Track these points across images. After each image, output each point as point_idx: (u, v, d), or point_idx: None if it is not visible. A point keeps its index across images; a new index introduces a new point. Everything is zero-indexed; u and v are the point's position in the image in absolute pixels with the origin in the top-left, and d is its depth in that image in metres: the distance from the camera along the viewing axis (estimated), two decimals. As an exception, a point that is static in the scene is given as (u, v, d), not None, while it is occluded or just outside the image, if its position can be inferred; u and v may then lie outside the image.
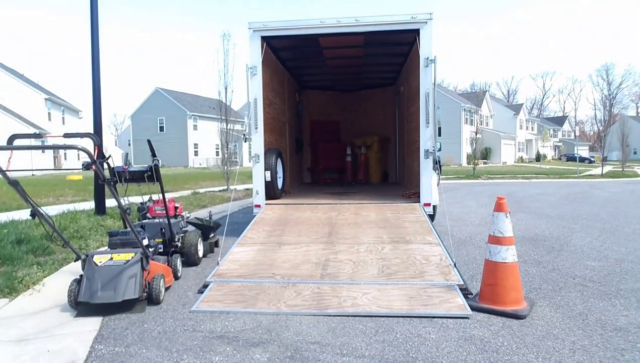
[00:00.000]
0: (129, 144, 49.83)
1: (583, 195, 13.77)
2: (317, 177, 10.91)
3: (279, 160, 7.00)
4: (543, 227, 7.09)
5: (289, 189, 7.90)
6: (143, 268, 3.40)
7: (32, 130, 30.01)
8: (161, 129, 49.03)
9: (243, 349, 2.65)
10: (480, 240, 6.08)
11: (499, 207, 3.39)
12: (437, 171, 6.35)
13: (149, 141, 4.07)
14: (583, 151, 68.08)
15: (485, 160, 47.62)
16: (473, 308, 3.17)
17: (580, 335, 2.79)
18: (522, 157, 56.04)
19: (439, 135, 6.11)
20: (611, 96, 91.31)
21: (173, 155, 43.55)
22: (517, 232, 6.37)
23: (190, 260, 4.62)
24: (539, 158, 58.12)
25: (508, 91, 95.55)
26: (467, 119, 46.55)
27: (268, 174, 6.42)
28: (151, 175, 4.09)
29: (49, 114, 36.49)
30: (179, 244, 4.56)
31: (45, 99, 36.06)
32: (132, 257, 3.38)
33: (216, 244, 5.42)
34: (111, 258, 3.39)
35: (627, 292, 3.69)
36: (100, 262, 3.35)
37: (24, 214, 5.94)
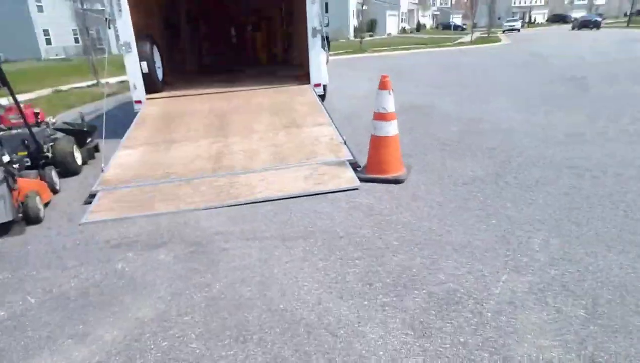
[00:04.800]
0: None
1: (454, 63, 14.99)
2: (200, 63, 10.08)
3: (155, 47, 6.24)
4: (419, 96, 7.69)
5: (170, 79, 7.24)
6: (10, 188, 3.02)
7: None
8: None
9: (146, 252, 2.65)
10: (367, 114, 6.46)
11: (382, 85, 3.55)
12: (325, 49, 6.28)
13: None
14: (457, 19, 71.97)
15: (372, 33, 48.08)
16: (361, 180, 3.50)
17: (437, 193, 3.28)
18: (404, 28, 57.58)
19: (326, 11, 5.90)
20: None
21: (16, 45, 35.79)
22: (396, 104, 6.88)
23: (69, 170, 4.20)
24: (419, 28, 60.29)
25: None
26: (343, -10, 44.99)
27: (144, 64, 5.74)
28: (-8, 78, 3.39)
29: None
30: (50, 155, 4.07)
31: None
32: (-7, 178, 2.96)
33: (96, 149, 4.93)
34: (-33, 182, 2.92)
35: (476, 150, 4.33)
36: (-45, 188, 2.88)
37: None
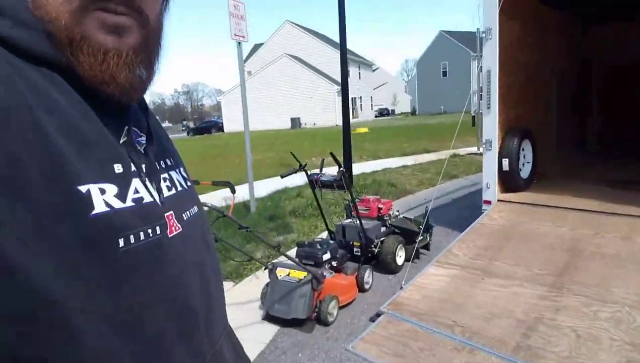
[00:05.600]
0: (416, 90, 52.08)
1: None
2: (606, 147, 8.14)
3: (528, 142, 5.51)
4: None
5: (544, 171, 6.21)
6: (314, 289, 3.39)
7: (335, 87, 35.65)
8: (444, 74, 48.56)
9: None
10: None
11: None
12: None
13: (299, 168, 3.98)
14: None
15: None
16: None
17: None
18: None
19: None
20: None
21: (456, 100, 42.55)
22: None
23: (387, 268, 4.34)
24: None
25: None
26: None
27: (506, 162, 5.18)
28: (340, 184, 3.96)
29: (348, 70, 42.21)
30: (376, 251, 4.33)
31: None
32: (305, 277, 3.41)
33: (426, 247, 4.88)
34: (289, 274, 3.52)
35: None
36: (280, 276, 3.54)
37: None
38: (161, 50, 0.63)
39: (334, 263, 3.84)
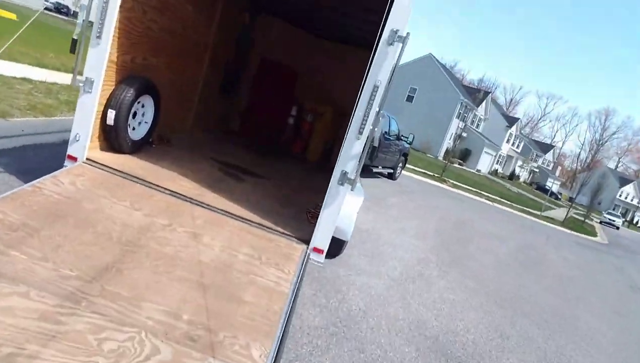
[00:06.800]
0: None
1: (536, 254, 12.20)
2: (245, 129, 8.55)
3: (149, 98, 4.61)
4: (467, 321, 5.14)
5: (168, 136, 5.57)
6: None
7: None
8: None
9: None
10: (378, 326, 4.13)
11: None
12: (357, 191, 4.23)
13: None
14: (555, 185, 68.53)
15: (462, 162, 46.33)
16: None
17: None
18: (497, 170, 55.24)
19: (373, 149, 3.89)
20: (600, 142, 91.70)
21: None
22: (428, 330, 4.49)
23: None
24: (512, 176, 57.62)
25: (511, 100, 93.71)
26: (460, 113, 44.36)
27: (112, 115, 4.07)
28: None
29: None
30: None
31: None
32: None
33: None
34: None
35: None
36: None
37: None
38: None
39: None
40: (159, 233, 3.21)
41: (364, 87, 3.45)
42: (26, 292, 2.30)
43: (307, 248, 3.75)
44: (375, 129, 3.45)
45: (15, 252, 2.54)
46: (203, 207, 3.81)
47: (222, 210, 3.86)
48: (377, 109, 3.39)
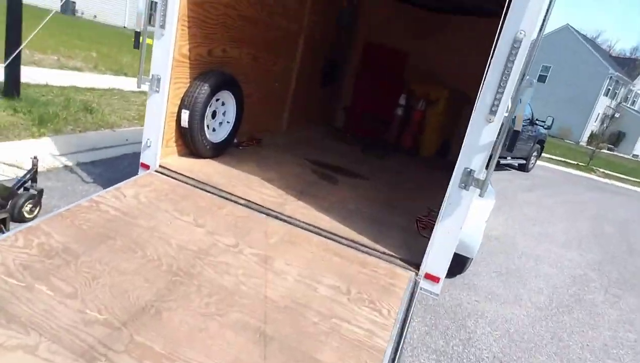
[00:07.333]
0: None
1: None
2: (349, 123, 7.74)
3: (229, 95, 4.06)
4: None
5: (255, 136, 5.01)
6: None
7: None
8: None
9: None
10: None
11: None
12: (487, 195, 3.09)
13: None
14: None
15: (612, 146, 39.03)
16: None
17: None
18: (661, 155, 45.33)
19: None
20: None
21: None
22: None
23: None
24: (683, 162, 46.73)
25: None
26: (609, 89, 37.36)
27: (186, 115, 3.59)
28: None
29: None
30: None
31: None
32: None
33: (3, 223, 2.91)
34: None
35: None
36: None
37: None
38: None
39: None
40: (220, 257, 2.54)
41: (497, 43, 2.31)
42: (35, 345, 1.77)
43: (417, 275, 2.74)
44: (519, 105, 2.29)
45: (43, 286, 2.07)
46: (281, 219, 3.06)
47: (304, 222, 3.07)
48: (521, 75, 2.23)
